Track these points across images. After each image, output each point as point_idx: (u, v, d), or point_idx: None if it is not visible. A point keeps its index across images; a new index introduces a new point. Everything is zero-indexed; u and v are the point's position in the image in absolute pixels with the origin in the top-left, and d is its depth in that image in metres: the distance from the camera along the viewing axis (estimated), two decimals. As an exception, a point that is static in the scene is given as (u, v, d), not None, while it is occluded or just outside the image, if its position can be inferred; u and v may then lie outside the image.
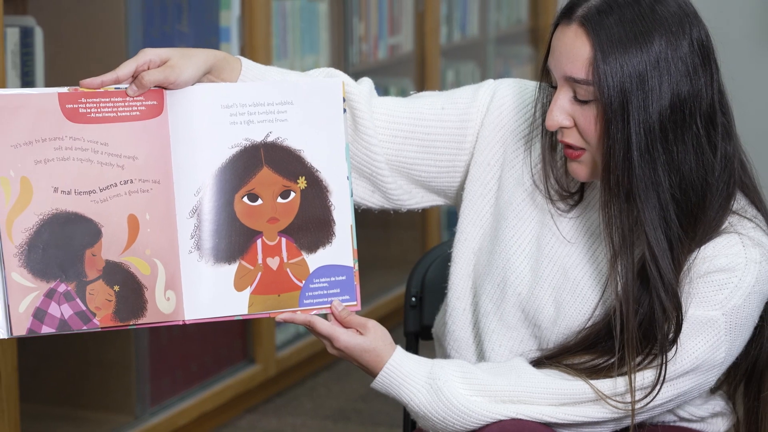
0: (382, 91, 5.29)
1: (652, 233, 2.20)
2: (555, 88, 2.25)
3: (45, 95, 2.16)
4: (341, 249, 2.29)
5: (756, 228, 2.28)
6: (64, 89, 2.17)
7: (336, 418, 4.36)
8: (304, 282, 2.27)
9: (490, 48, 5.99)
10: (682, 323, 2.22)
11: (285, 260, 2.26)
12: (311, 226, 2.28)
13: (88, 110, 2.18)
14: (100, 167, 2.18)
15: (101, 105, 2.19)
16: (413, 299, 2.70)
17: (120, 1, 3.86)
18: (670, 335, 2.23)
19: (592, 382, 2.25)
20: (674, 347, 2.23)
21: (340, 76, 2.39)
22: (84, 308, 2.15)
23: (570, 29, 2.20)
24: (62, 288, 2.14)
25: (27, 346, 3.21)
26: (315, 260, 2.28)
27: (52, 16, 3.83)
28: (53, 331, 2.13)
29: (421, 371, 2.29)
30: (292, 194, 2.27)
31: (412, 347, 2.69)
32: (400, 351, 2.29)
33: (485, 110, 2.41)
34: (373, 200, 2.46)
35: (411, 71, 5.42)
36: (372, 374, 2.30)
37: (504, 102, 2.41)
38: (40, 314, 2.12)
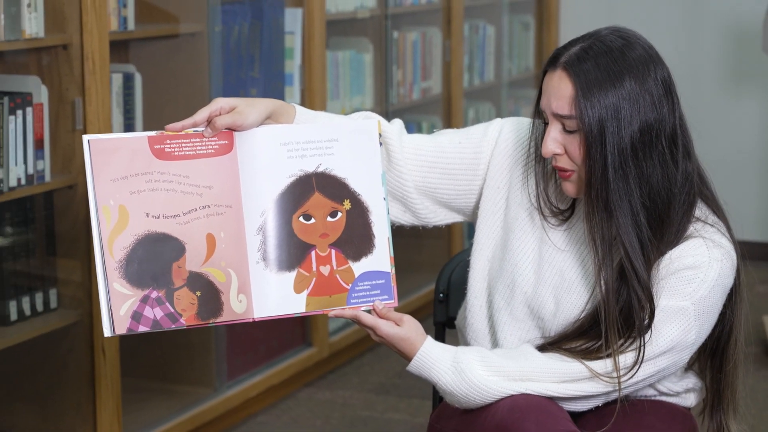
0: (415, 125, 5.29)
1: (626, 236, 2.22)
2: (546, 123, 2.26)
3: (137, 138, 2.18)
4: (380, 257, 2.29)
5: (717, 232, 2.29)
6: (153, 133, 2.19)
7: (378, 391, 4.35)
8: (350, 285, 2.27)
9: (504, 91, 5.97)
10: (654, 311, 2.23)
11: (335, 268, 2.26)
12: (355, 239, 2.27)
13: (172, 149, 2.19)
14: (183, 195, 2.18)
15: (183, 145, 2.20)
16: (441, 295, 2.69)
17: (204, 52, 3.86)
18: (645, 321, 2.24)
19: (587, 363, 2.25)
20: (650, 332, 2.23)
21: (376, 118, 2.40)
22: (172, 310, 2.15)
23: (555, 74, 2.23)
24: (154, 294, 2.14)
25: (127, 332, 3.23)
26: (359, 267, 2.27)
27: (149, 65, 3.84)
28: (148, 329, 2.14)
29: (447, 356, 2.29)
30: (339, 214, 2.27)
31: (440, 334, 2.68)
32: (430, 340, 2.30)
33: (494, 143, 2.42)
34: (405, 219, 2.46)
35: (439, 110, 5.41)
36: (407, 359, 2.30)
37: (509, 137, 2.42)
38: (137, 316, 2.13)
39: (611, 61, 2.21)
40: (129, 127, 3.63)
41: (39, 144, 3.29)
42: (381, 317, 2.28)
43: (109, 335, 2.13)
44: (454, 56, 5.36)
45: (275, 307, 2.23)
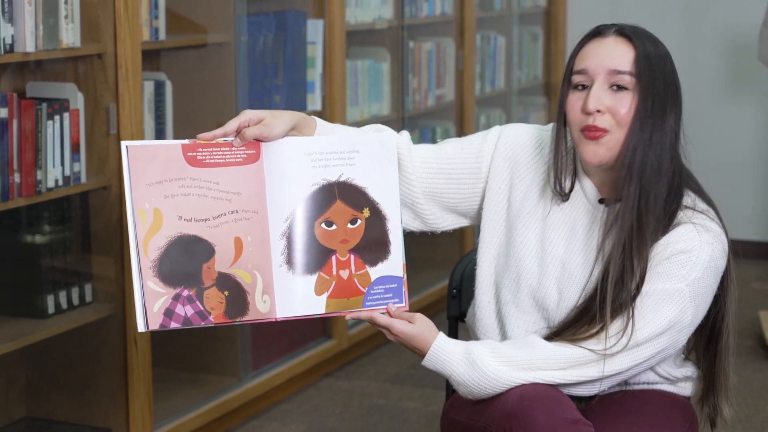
0: (430, 131, 5.29)
1: (651, 189, 2.24)
2: (577, 88, 2.28)
3: (172, 146, 2.19)
4: (394, 263, 2.30)
5: (706, 218, 2.29)
6: (186, 141, 2.20)
7: (393, 380, 4.34)
8: (366, 289, 2.27)
9: (514, 98, 5.96)
10: (645, 276, 2.24)
11: (353, 272, 2.26)
12: (373, 245, 2.28)
13: (204, 157, 2.20)
14: (213, 201, 2.19)
15: (213, 153, 2.21)
16: (454, 291, 2.69)
17: (231, 61, 3.86)
18: (634, 289, 2.24)
19: (587, 345, 2.24)
20: (643, 308, 2.24)
21: (387, 131, 2.41)
22: (202, 308, 2.15)
23: (608, 39, 2.28)
24: (185, 293, 2.14)
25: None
26: (375, 272, 2.28)
27: (179, 73, 3.84)
28: (179, 326, 2.14)
29: (459, 349, 2.28)
30: (359, 221, 2.27)
31: (453, 328, 2.67)
32: (442, 335, 2.30)
33: (494, 146, 2.43)
34: (415, 225, 2.47)
35: (452, 116, 5.40)
36: (421, 355, 2.31)
37: (508, 140, 2.43)
38: (169, 313, 2.13)
39: (655, 40, 2.31)
40: (160, 131, 3.63)
41: (75, 147, 3.29)
42: (394, 318, 2.29)
43: (143, 330, 2.13)
44: (466, 65, 5.35)
45: (297, 308, 2.22)
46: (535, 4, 6.22)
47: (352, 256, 2.26)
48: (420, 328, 2.29)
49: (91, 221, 3.43)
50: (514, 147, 2.43)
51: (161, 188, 2.15)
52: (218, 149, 2.21)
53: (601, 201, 2.34)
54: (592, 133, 2.25)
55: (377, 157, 2.31)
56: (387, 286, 2.28)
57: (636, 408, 2.34)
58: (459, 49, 5.33)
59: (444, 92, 5.31)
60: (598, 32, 2.30)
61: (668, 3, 6.11)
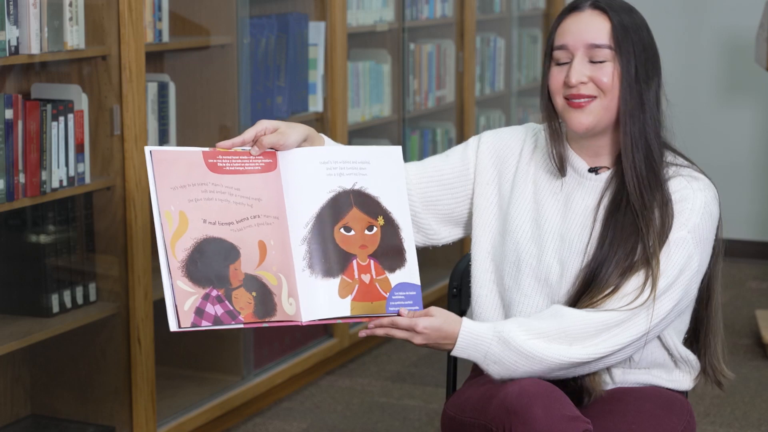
0: (430, 132, 5.29)
1: (641, 141, 2.33)
2: (558, 65, 2.35)
3: (193, 152, 2.23)
4: (411, 271, 2.31)
5: (691, 170, 2.38)
6: (206, 149, 2.24)
7: (394, 379, 4.35)
8: (388, 294, 2.28)
9: (513, 99, 5.96)
10: (661, 234, 2.30)
11: (374, 276, 2.27)
12: (389, 252, 2.29)
13: (224, 164, 2.24)
14: (235, 206, 2.21)
15: (233, 161, 2.25)
16: (454, 290, 2.69)
17: (234, 62, 3.87)
18: (651, 247, 2.29)
19: (607, 305, 2.28)
20: (658, 263, 2.29)
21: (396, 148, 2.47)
22: (232, 308, 2.16)
23: (584, 14, 2.35)
24: (214, 293, 2.15)
25: (161, 322, 3.23)
26: (395, 278, 2.29)
27: (182, 74, 3.85)
28: (210, 325, 2.14)
29: (487, 330, 2.29)
30: (375, 228, 2.29)
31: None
32: (467, 320, 2.30)
33: (477, 148, 2.52)
34: (417, 239, 2.53)
35: (453, 117, 5.40)
36: (450, 344, 2.29)
37: (488, 140, 2.52)
38: (200, 312, 2.14)
39: (631, 11, 2.36)
40: (163, 132, 3.64)
41: (80, 148, 3.30)
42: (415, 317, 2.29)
43: (175, 329, 2.13)
44: (466, 67, 5.35)
45: (322, 311, 2.22)
46: (534, 7, 6.23)
47: (372, 262, 2.27)
48: (444, 318, 2.28)
49: (96, 221, 3.44)
50: (496, 144, 2.50)
51: (185, 192, 2.18)
52: (237, 157, 2.25)
53: (590, 171, 2.40)
54: (577, 101, 2.33)
55: (386, 169, 2.35)
56: (407, 293, 2.29)
57: (634, 406, 2.35)
58: (459, 50, 5.34)
59: (444, 93, 5.31)
60: (574, 6, 2.37)
61: (666, 6, 6.12)
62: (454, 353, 2.30)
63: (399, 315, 2.27)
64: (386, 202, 2.31)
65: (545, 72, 2.38)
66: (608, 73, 2.32)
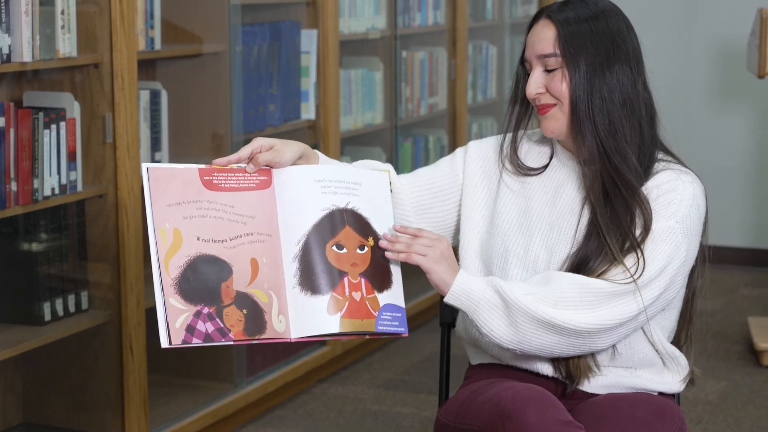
0: (423, 139, 5.30)
1: (611, 140, 2.34)
2: (528, 74, 2.40)
3: (189, 169, 2.23)
4: (397, 294, 2.32)
5: (681, 167, 2.42)
6: (202, 166, 2.24)
7: (387, 386, 4.35)
8: (377, 312, 2.27)
9: (505, 107, 5.95)
10: (648, 217, 2.32)
11: (364, 295, 2.27)
12: (378, 273, 2.29)
13: (219, 182, 2.24)
14: (229, 223, 2.22)
15: (228, 178, 2.25)
16: (446, 297, 2.69)
17: (226, 70, 3.87)
18: (639, 234, 2.31)
19: (607, 278, 2.30)
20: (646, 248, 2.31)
21: (381, 165, 2.50)
22: (222, 326, 2.16)
23: (537, 25, 2.40)
24: (206, 310, 2.16)
25: (153, 330, 3.22)
26: (383, 298, 2.29)
27: (175, 82, 3.85)
28: (201, 342, 2.16)
29: (481, 281, 2.32)
30: (366, 248, 2.30)
31: (445, 335, 2.67)
32: (462, 272, 2.32)
33: (464, 155, 2.56)
34: None
35: (445, 124, 5.41)
36: (446, 285, 2.30)
37: (475, 147, 2.57)
38: (191, 329, 2.15)
39: (586, 6, 2.37)
40: (155, 140, 3.64)
41: (72, 156, 3.30)
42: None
43: (167, 346, 2.14)
44: (459, 74, 5.36)
45: (311, 328, 2.23)
46: (526, 14, 6.24)
47: (363, 280, 2.27)
48: (434, 233, 2.33)
49: (88, 229, 3.43)
50: (482, 149, 2.56)
51: (180, 209, 2.18)
52: (233, 174, 2.25)
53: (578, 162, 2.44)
54: (541, 110, 2.41)
55: (376, 193, 2.36)
56: (393, 314, 2.30)
57: (626, 413, 2.35)
58: (451, 58, 5.34)
59: (437, 101, 5.32)
60: (535, 18, 2.42)
61: (659, 13, 6.13)
62: (446, 301, 2.31)
63: (387, 336, 2.30)
64: (376, 225, 2.32)
65: (518, 80, 2.46)
66: (559, 80, 2.36)
